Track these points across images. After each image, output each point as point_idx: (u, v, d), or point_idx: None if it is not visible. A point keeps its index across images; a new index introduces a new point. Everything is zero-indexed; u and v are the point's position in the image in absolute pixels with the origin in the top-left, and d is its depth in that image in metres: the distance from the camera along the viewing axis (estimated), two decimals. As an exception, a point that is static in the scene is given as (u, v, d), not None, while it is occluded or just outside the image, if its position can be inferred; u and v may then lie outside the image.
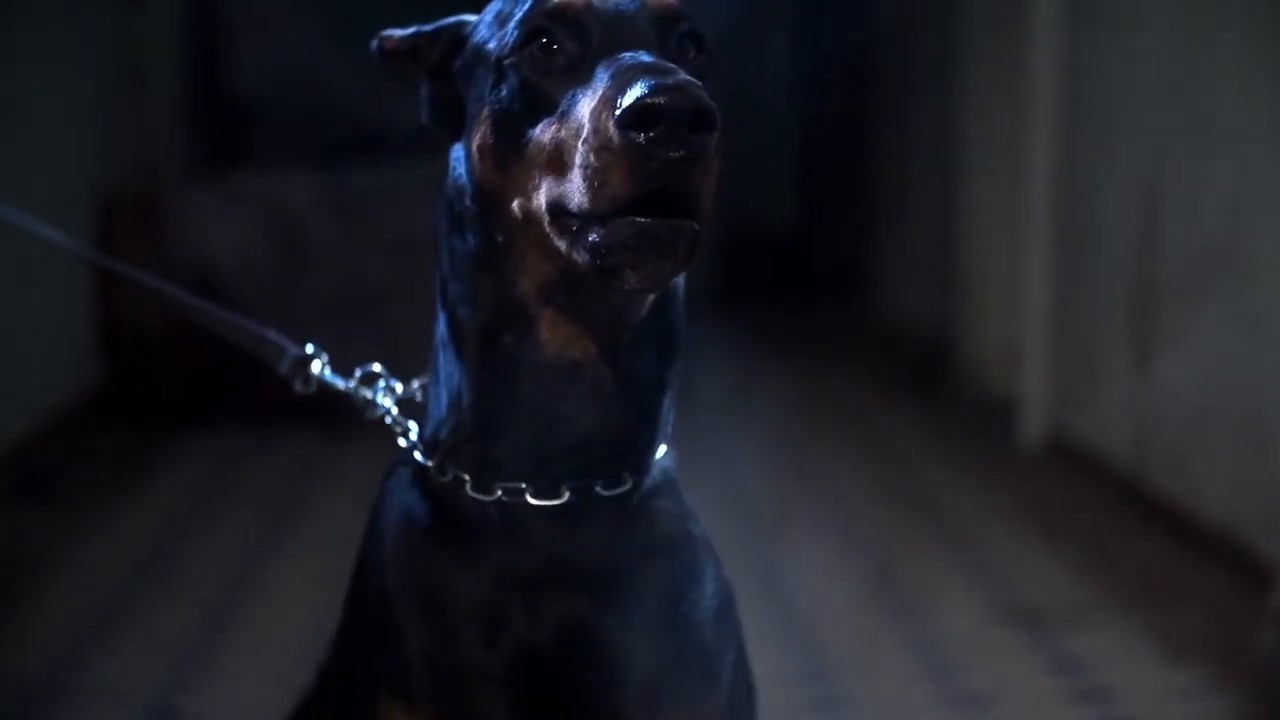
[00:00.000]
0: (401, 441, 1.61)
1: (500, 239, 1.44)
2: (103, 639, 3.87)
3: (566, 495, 1.47)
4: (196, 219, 6.18)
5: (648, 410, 1.50)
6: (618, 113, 1.27)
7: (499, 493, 1.47)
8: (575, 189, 1.31)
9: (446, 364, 1.52)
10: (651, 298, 1.46)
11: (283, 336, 1.82)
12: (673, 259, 1.31)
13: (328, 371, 1.79)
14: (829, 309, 8.68)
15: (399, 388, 1.71)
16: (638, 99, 1.25)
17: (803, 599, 4.14)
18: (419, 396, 1.68)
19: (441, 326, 1.53)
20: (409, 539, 1.53)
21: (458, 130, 1.52)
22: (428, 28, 1.59)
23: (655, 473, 1.53)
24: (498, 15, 1.49)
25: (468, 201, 1.47)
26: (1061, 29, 5.40)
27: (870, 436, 6.00)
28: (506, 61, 1.42)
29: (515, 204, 1.40)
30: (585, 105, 1.32)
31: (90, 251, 2.06)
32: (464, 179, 1.48)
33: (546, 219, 1.35)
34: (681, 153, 1.26)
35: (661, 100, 1.25)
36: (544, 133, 1.37)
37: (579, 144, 1.31)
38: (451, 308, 1.50)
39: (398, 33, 1.60)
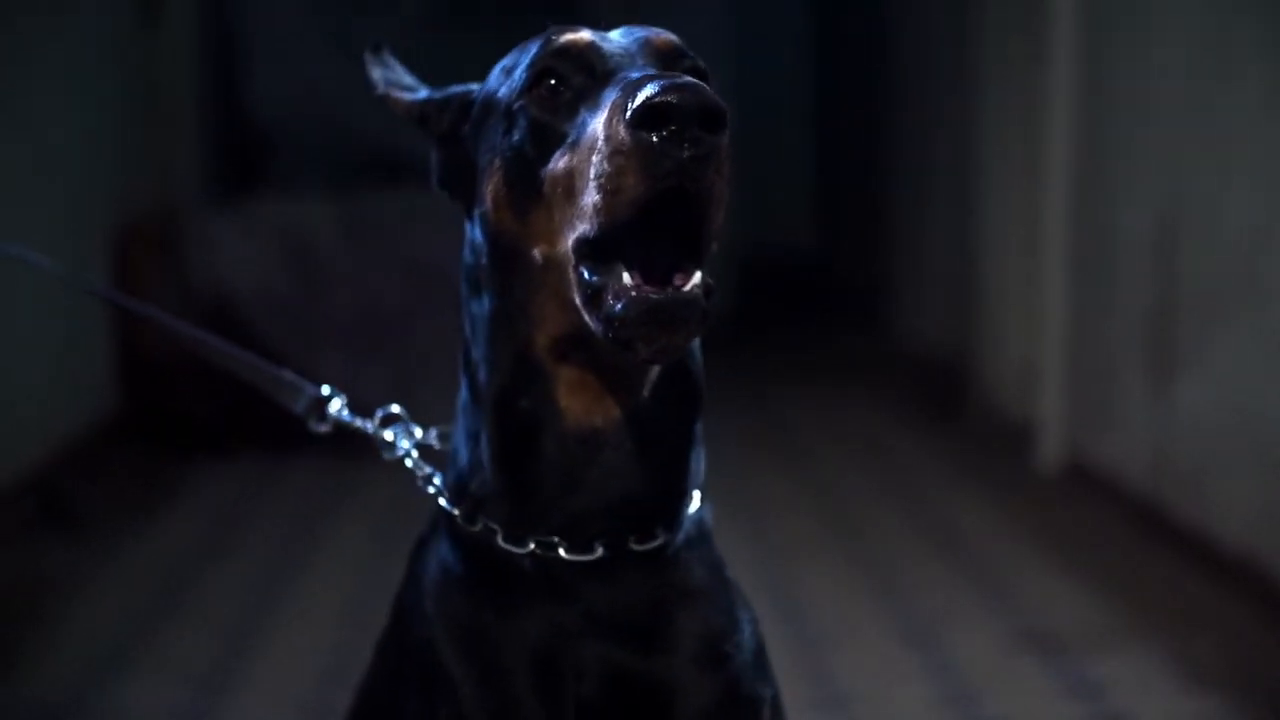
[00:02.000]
0: (424, 486, 1.60)
1: (519, 293, 1.44)
2: (122, 663, 3.88)
3: (600, 551, 1.47)
4: (213, 245, 6.20)
5: (675, 468, 1.50)
6: (629, 114, 1.27)
7: (532, 546, 1.47)
8: (591, 203, 1.31)
9: (469, 421, 1.52)
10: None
11: (299, 377, 1.82)
12: (684, 333, 1.33)
13: (345, 412, 1.79)
14: (846, 332, 8.68)
15: (419, 432, 1.71)
16: (648, 98, 1.26)
17: (819, 623, 4.14)
18: (437, 444, 1.68)
19: (464, 391, 1.54)
20: (449, 590, 1.53)
21: (468, 195, 1.53)
22: (436, 95, 1.61)
23: (689, 524, 1.53)
24: (504, 68, 1.51)
25: (484, 260, 1.47)
26: (1079, 50, 5.41)
27: (887, 459, 5.99)
28: (516, 105, 1.44)
29: (537, 250, 1.41)
30: (596, 121, 1.34)
31: (108, 291, 2.07)
32: (480, 239, 1.49)
33: (571, 262, 1.36)
34: (693, 151, 1.27)
35: (672, 98, 1.26)
36: (557, 164, 1.38)
37: (592, 157, 1.32)
38: (472, 373, 1.51)
39: (405, 97, 1.64)
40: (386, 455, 1.72)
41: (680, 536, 1.51)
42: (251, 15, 7.51)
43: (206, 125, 7.23)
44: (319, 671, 3.83)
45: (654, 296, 1.31)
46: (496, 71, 1.52)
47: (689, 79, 1.29)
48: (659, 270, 1.32)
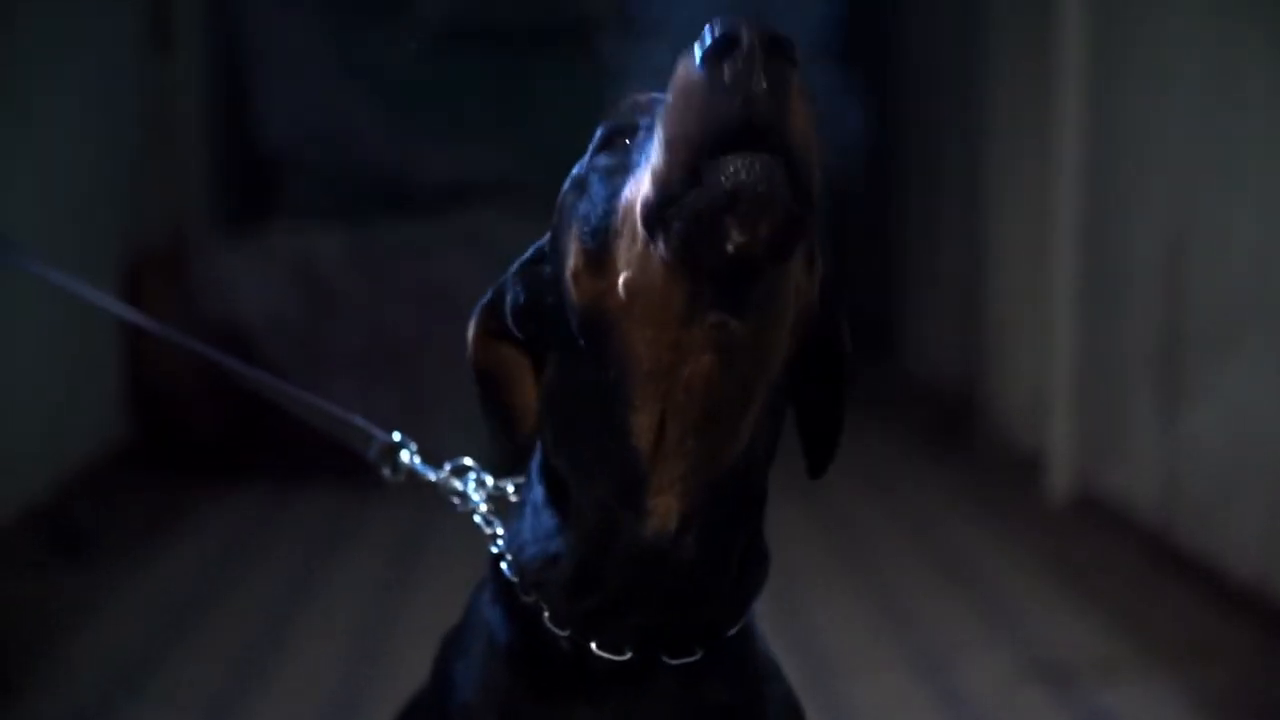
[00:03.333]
0: (489, 546, 1.55)
1: (612, 372, 1.33)
2: (130, 691, 3.88)
3: (628, 654, 1.42)
4: (225, 274, 6.21)
5: (732, 583, 1.45)
6: (696, 58, 1.19)
7: (568, 631, 1.44)
8: (660, 165, 1.22)
9: (543, 516, 1.46)
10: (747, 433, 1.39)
11: (368, 423, 1.80)
12: (769, 188, 1.19)
13: (418, 460, 1.77)
14: (854, 362, 8.67)
15: (489, 481, 1.67)
16: (714, 33, 1.18)
17: (829, 652, 4.13)
18: (512, 495, 1.64)
19: (536, 479, 1.47)
20: (494, 661, 1.49)
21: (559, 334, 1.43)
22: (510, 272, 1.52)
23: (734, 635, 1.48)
24: (571, 177, 1.44)
25: (578, 346, 1.37)
26: (1088, 79, 5.41)
27: (897, 489, 5.99)
28: (583, 173, 1.39)
29: (620, 281, 1.30)
30: (660, 126, 1.24)
31: (155, 325, 2.05)
32: (569, 329, 1.38)
33: (638, 217, 1.26)
34: (765, 83, 1.17)
35: (739, 30, 1.18)
36: (629, 191, 1.30)
37: (657, 140, 1.23)
38: (558, 471, 1.44)
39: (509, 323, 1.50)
40: (458, 508, 1.68)
41: (720, 649, 1.47)
42: (262, 45, 7.53)
43: (217, 154, 7.25)
44: (328, 700, 3.82)
45: (726, 157, 1.18)
46: (564, 187, 1.45)
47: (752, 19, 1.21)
48: None
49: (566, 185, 1.44)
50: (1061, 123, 5.55)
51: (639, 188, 1.26)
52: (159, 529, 5.35)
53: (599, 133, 1.41)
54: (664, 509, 1.37)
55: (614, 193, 1.31)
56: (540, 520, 1.46)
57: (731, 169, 1.18)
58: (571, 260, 1.35)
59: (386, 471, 1.78)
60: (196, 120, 7.00)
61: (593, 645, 1.42)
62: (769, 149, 1.19)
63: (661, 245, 1.23)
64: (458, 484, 1.70)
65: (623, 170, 1.32)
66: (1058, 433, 5.66)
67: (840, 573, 4.87)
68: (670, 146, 1.20)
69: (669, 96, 1.22)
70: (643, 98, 1.39)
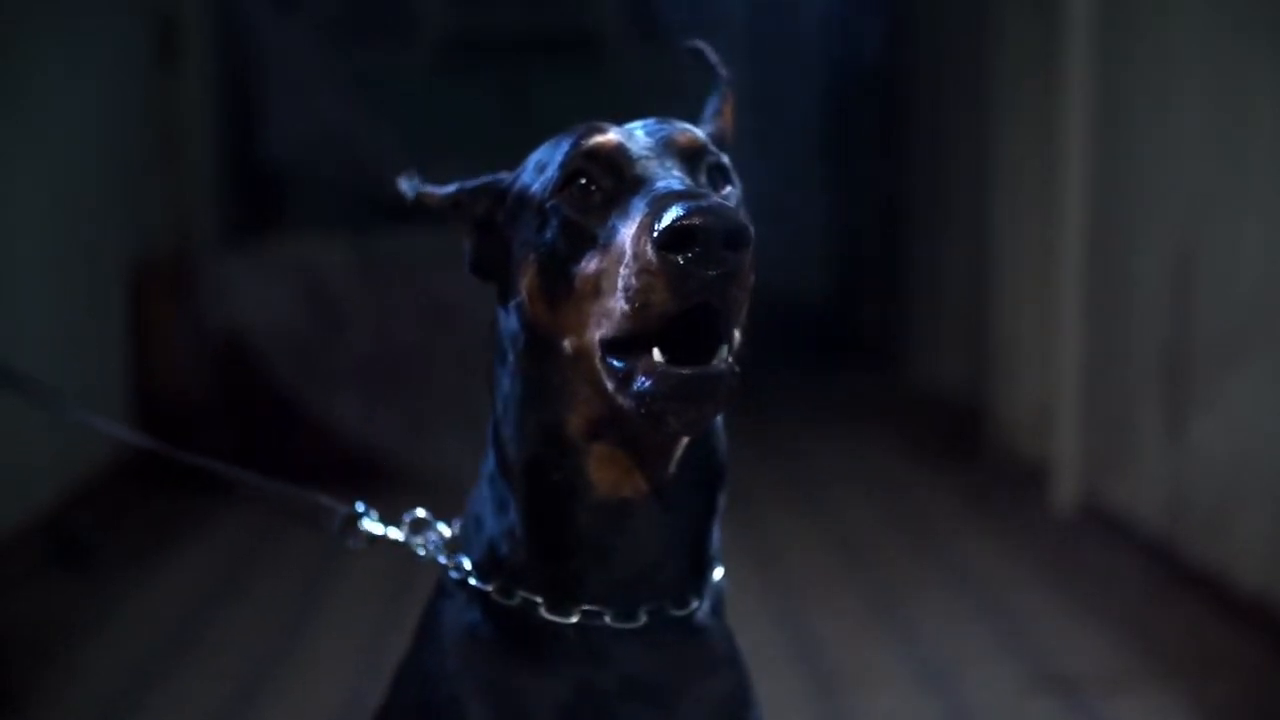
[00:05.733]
0: (454, 575, 1.63)
1: (552, 378, 1.49)
2: (134, 705, 3.88)
3: (644, 618, 1.52)
4: (229, 285, 6.22)
5: (700, 538, 1.56)
6: (656, 235, 1.32)
7: (576, 616, 1.52)
8: (619, 310, 1.36)
9: (496, 494, 1.57)
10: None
11: (328, 498, 1.87)
12: (713, 405, 1.37)
13: (378, 527, 1.83)
14: (861, 373, 8.67)
15: (447, 531, 1.72)
16: (674, 220, 1.31)
17: (834, 663, 4.12)
18: (459, 534, 1.70)
19: (491, 463, 1.59)
20: (476, 650, 1.57)
21: (502, 282, 1.58)
22: (469, 184, 1.66)
23: (712, 593, 1.59)
24: (537, 163, 1.56)
25: (520, 346, 1.53)
26: (1094, 94, 5.41)
27: (902, 500, 5.98)
28: (549, 204, 1.49)
29: (567, 341, 1.46)
30: (625, 233, 1.38)
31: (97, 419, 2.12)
32: (514, 326, 1.54)
33: (598, 354, 1.41)
34: (718, 270, 1.32)
35: (697, 221, 1.30)
36: (588, 265, 1.43)
37: (620, 269, 1.36)
38: (501, 446, 1.56)
39: (437, 191, 1.67)
40: (421, 558, 1.74)
41: (707, 604, 1.58)
42: (267, 57, 7.54)
43: (222, 165, 7.26)
44: (334, 714, 3.82)
45: (683, 371, 1.35)
46: (530, 165, 1.57)
47: (713, 200, 1.34)
48: (686, 349, 1.37)
49: (530, 182, 1.55)
50: (1067, 137, 5.55)
51: (597, 280, 1.41)
52: (164, 542, 5.35)
53: (560, 164, 1.50)
54: (610, 480, 1.49)
55: (575, 253, 1.45)
56: (495, 489, 1.57)
57: (683, 374, 1.35)
58: (526, 282, 1.51)
59: (351, 542, 1.84)
60: (203, 132, 7.01)
61: (607, 619, 1.51)
62: (714, 329, 1.36)
63: (609, 380, 1.40)
64: (418, 539, 1.74)
65: (585, 235, 1.45)
66: (1064, 445, 5.66)
67: (846, 585, 4.86)
68: (630, 300, 1.34)
69: (630, 258, 1.35)
70: (605, 144, 1.49)
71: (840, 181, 9.67)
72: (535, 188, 1.53)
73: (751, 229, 1.34)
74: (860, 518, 5.70)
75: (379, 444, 5.55)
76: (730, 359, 1.38)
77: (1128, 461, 5.18)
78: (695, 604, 1.55)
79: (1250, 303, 4.34)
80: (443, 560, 1.68)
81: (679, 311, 1.33)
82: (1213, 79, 4.59)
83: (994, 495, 5.97)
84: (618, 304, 1.36)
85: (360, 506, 1.85)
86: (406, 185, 1.69)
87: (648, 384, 1.36)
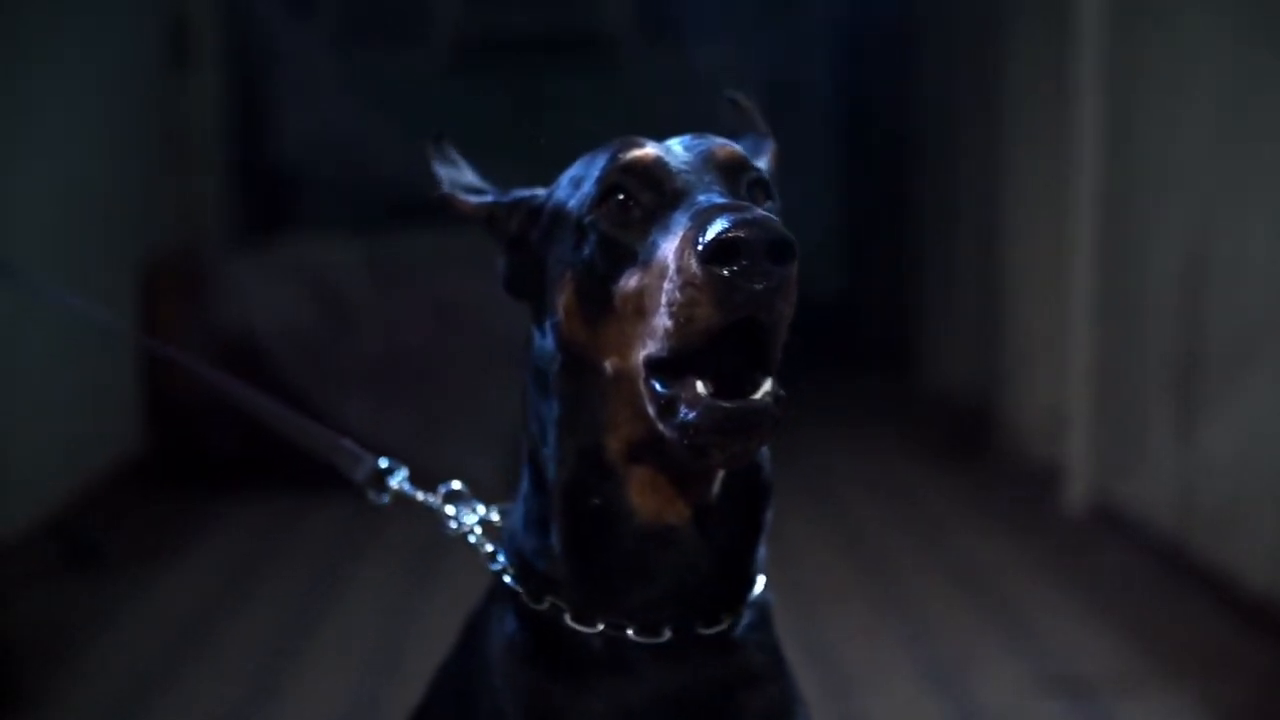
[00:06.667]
0: (488, 564, 1.62)
1: (591, 400, 1.47)
2: (145, 705, 3.88)
3: (668, 635, 1.49)
4: (239, 285, 6.21)
5: (743, 559, 1.54)
6: (700, 249, 1.29)
7: (601, 627, 1.50)
8: (663, 327, 1.33)
9: (533, 508, 1.55)
10: None
11: (359, 446, 1.82)
12: (756, 440, 1.35)
13: (407, 484, 1.80)
14: (872, 375, 8.66)
15: (481, 509, 1.72)
16: (720, 233, 1.28)
17: (846, 665, 4.12)
18: (499, 521, 1.69)
19: (526, 481, 1.56)
20: (515, 663, 1.55)
21: (537, 300, 1.55)
22: (503, 199, 1.63)
23: (753, 608, 1.56)
24: (573, 179, 1.53)
25: (556, 366, 1.50)
26: (1105, 96, 5.41)
27: (913, 502, 5.98)
28: (586, 220, 1.46)
29: (608, 362, 1.43)
30: (667, 247, 1.35)
31: (166, 348, 2.07)
32: (550, 346, 1.51)
33: (642, 375, 1.38)
34: (764, 284, 1.29)
35: (743, 234, 1.28)
36: (628, 282, 1.40)
37: (664, 284, 1.33)
38: (538, 466, 1.53)
39: (470, 199, 1.64)
40: (450, 531, 1.73)
41: (744, 620, 1.54)
42: (278, 58, 7.55)
43: (233, 166, 7.26)
44: (343, 715, 3.82)
45: (726, 405, 1.33)
46: (565, 181, 1.54)
47: (758, 212, 1.31)
48: (729, 381, 1.34)
49: (566, 198, 1.51)
50: (1078, 142, 5.54)
51: (639, 298, 1.38)
52: (174, 543, 5.36)
53: (597, 179, 1.46)
54: (652, 506, 1.46)
55: (614, 271, 1.41)
56: (532, 508, 1.54)
57: (727, 408, 1.32)
58: (564, 301, 1.47)
59: (373, 495, 1.80)
60: (213, 134, 7.02)
61: (630, 633, 1.48)
62: (761, 341, 1.34)
63: (651, 406, 1.37)
64: (450, 509, 1.73)
65: (625, 252, 1.41)
66: (1075, 446, 5.65)
67: (857, 585, 4.86)
68: (674, 315, 1.31)
69: (673, 272, 1.32)
70: (643, 158, 1.46)
71: (853, 184, 9.66)
72: (571, 204, 1.50)
73: (796, 243, 1.31)
74: (870, 518, 5.70)
75: (387, 443, 5.54)
76: (775, 390, 1.36)
77: (1138, 463, 5.17)
78: (726, 622, 1.52)
79: (1260, 306, 4.33)
80: (474, 540, 1.67)
81: (724, 326, 1.30)
82: (1223, 84, 4.58)
83: (1004, 497, 5.96)
84: (661, 320, 1.33)
85: (386, 462, 1.81)
86: (442, 173, 1.67)
87: (691, 416, 1.33)
